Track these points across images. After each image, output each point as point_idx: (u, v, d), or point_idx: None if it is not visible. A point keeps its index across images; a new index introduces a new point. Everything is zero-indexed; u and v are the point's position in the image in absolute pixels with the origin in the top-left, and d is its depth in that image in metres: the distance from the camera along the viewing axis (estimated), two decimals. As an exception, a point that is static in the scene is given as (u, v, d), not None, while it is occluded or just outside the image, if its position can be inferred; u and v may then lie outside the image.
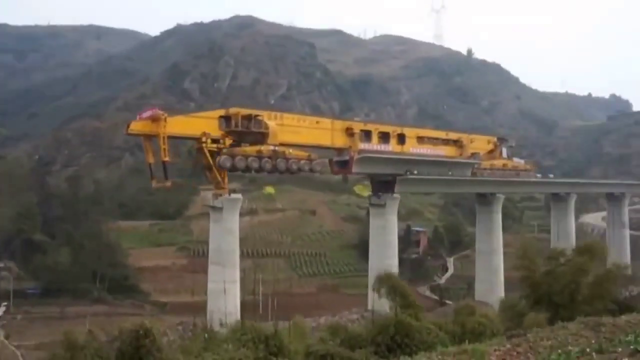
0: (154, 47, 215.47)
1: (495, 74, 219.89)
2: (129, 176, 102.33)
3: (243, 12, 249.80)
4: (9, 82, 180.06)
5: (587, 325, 10.49)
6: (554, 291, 19.92)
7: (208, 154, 43.57)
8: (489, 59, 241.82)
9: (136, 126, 39.29)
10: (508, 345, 9.18)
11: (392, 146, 53.42)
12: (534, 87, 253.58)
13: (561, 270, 20.44)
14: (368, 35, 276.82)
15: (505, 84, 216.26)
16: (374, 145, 52.18)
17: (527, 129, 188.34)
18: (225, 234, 45.33)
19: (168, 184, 40.84)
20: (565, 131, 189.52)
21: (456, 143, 59.59)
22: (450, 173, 59.64)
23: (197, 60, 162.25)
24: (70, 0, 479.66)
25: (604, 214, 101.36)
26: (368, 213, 66.76)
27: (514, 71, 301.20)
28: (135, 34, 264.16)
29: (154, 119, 38.81)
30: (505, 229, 73.01)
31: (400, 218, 68.44)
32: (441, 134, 60.74)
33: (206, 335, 10.64)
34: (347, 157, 49.20)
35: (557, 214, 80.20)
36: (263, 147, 43.09)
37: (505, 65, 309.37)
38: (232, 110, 43.14)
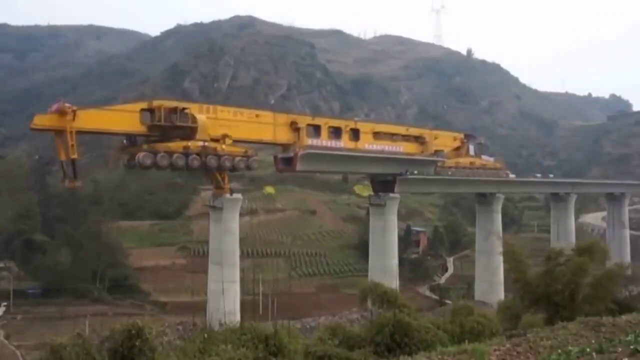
0: (154, 47, 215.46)
1: (495, 74, 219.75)
2: (128, 176, 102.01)
3: (243, 12, 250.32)
4: (9, 82, 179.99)
5: (587, 325, 10.52)
6: (553, 291, 19.56)
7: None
8: (489, 59, 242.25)
9: (40, 120, 35.80)
10: (508, 345, 9.17)
11: (345, 142, 50.40)
12: (534, 87, 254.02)
13: (560, 270, 20.03)
14: (368, 35, 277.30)
15: (505, 84, 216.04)
16: (324, 141, 49.04)
17: (527, 129, 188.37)
18: (225, 234, 45.08)
19: (78, 184, 37.79)
20: (565, 131, 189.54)
21: (418, 139, 56.76)
22: (415, 172, 56.32)
23: (197, 60, 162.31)
24: (70, 0, 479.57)
25: (604, 214, 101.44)
26: (368, 213, 66.73)
27: (514, 71, 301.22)
28: (135, 34, 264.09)
29: (61, 113, 35.52)
30: (505, 229, 73.06)
31: (400, 218, 68.46)
32: (401, 130, 57.68)
33: (205, 335, 10.61)
34: (292, 154, 46.25)
35: (557, 214, 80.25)
36: (191, 143, 40.21)
37: (505, 65, 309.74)
38: (156, 102, 39.96)
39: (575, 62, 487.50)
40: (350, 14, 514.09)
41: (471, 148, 62.81)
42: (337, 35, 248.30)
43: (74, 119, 35.44)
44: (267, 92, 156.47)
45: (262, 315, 53.26)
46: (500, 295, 57.56)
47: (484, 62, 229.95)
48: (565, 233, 76.84)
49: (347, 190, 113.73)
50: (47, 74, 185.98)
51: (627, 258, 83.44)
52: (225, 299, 42.98)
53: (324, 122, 50.15)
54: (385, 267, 56.17)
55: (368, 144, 52.25)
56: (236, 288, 46.21)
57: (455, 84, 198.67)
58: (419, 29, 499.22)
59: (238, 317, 42.54)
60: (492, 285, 64.14)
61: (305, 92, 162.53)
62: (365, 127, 53.24)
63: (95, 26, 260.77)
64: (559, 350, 8.08)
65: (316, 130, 48.89)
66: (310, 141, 47.70)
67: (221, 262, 45.05)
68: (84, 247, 75.89)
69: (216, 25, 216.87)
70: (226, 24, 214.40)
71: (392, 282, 51.72)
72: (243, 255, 57.79)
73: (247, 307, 51.23)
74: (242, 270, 51.18)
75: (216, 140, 42.07)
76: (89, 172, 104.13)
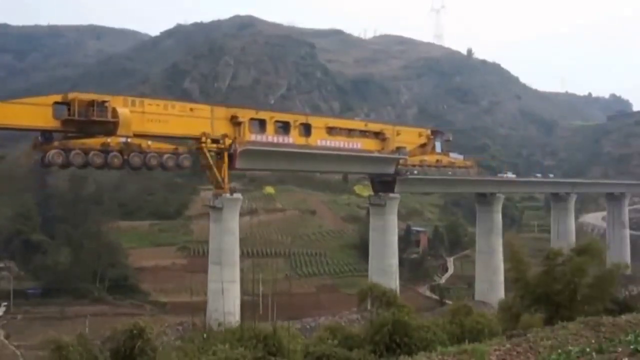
0: (154, 47, 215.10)
1: (495, 74, 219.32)
2: (129, 175, 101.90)
3: (243, 12, 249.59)
4: (8, 82, 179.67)
5: (587, 325, 10.56)
6: (553, 291, 19.61)
7: (208, 154, 43.08)
8: (489, 59, 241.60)
9: None
10: (508, 345, 9.18)
11: (294, 138, 47.25)
12: (534, 87, 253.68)
13: (560, 270, 20.05)
14: (368, 35, 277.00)
15: (505, 84, 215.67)
16: (270, 136, 45.79)
17: (527, 129, 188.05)
18: (225, 234, 44.88)
19: None
20: (565, 131, 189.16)
21: (378, 135, 53.23)
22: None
23: (197, 60, 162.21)
24: (70, 0, 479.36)
25: (604, 213, 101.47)
26: (368, 213, 66.58)
27: (514, 71, 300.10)
28: (135, 34, 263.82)
29: None
30: (505, 228, 73.04)
31: (400, 218, 68.40)
32: (359, 125, 54.34)
33: (204, 335, 10.61)
34: (231, 151, 43.66)
35: (557, 214, 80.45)
36: (111, 139, 37.38)
37: (505, 65, 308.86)
38: (72, 95, 36.98)
39: (575, 61, 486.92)
40: (350, 14, 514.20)
41: (438, 145, 59.45)
42: (337, 35, 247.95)
43: None
44: (267, 92, 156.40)
45: (262, 316, 53.29)
46: (501, 295, 57.49)
47: (484, 62, 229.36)
48: (565, 233, 77.01)
49: (347, 190, 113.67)
50: (47, 74, 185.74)
51: (627, 258, 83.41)
52: (225, 299, 42.91)
53: (270, 116, 47.18)
54: (385, 267, 56.08)
55: (320, 140, 49.04)
56: (236, 288, 46.02)
57: (456, 84, 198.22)
58: (419, 28, 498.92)
59: (238, 318, 42.49)
60: (492, 285, 64.22)
61: (305, 92, 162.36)
62: (317, 122, 50.10)
63: (95, 26, 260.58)
64: (559, 350, 8.09)
65: (261, 125, 45.99)
66: (253, 137, 44.83)
67: (221, 262, 44.73)
68: (84, 247, 75.99)
69: (216, 25, 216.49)
70: (226, 23, 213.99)
71: (392, 282, 51.87)
72: (243, 255, 57.71)
73: (247, 307, 51.21)
74: (241, 270, 51.08)
75: (143, 136, 39.46)
76: (89, 171, 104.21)
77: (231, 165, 44.80)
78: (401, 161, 54.21)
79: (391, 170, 54.13)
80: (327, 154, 50.58)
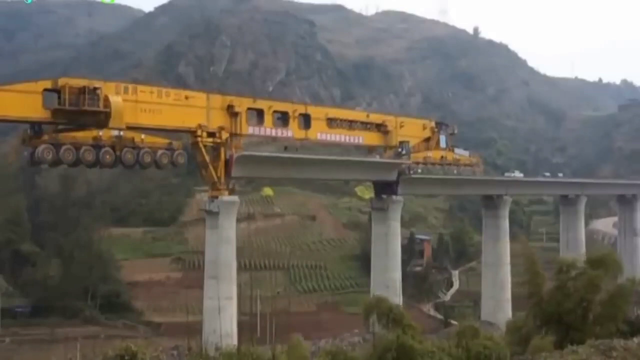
0: (147, 25, 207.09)
1: (502, 56, 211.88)
2: (121, 175, 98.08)
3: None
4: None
5: (597, 349, 10.52)
6: (564, 310, 17.66)
7: (204, 150, 39.45)
8: (496, 39, 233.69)
9: None
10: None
11: (294, 130, 43.86)
12: (542, 71, 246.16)
13: (572, 286, 18.00)
14: (370, 10, 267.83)
15: (512, 68, 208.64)
16: (268, 128, 42.62)
17: (536, 120, 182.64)
18: (222, 243, 41.81)
19: None
20: (574, 123, 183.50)
21: (380, 128, 48.67)
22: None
23: (193, 40, 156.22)
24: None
25: (615, 219, 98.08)
26: (370, 219, 63.18)
27: (522, 53, 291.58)
28: (128, 10, 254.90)
29: None
30: (512, 237, 70.05)
31: (404, 225, 65.23)
32: (360, 116, 50.21)
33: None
34: (227, 156, 40.17)
35: (567, 219, 77.36)
36: (103, 133, 34.27)
37: (512, 45, 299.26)
38: (62, 80, 33.42)
39: (585, 42, 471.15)
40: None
41: (442, 139, 54.54)
42: (337, 11, 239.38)
43: None
44: (265, 78, 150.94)
45: (259, 338, 50.89)
46: (508, 314, 55.09)
47: (490, 42, 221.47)
48: (575, 241, 74.09)
49: (348, 192, 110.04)
50: (37, 57, 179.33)
51: (639, 269, 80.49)
52: (222, 319, 40.10)
53: (268, 106, 42.93)
54: (387, 281, 53.45)
55: (320, 133, 45.39)
56: (233, 306, 43.16)
57: (461, 68, 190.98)
58: (423, 2, 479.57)
59: (235, 340, 39.87)
60: (499, 303, 61.69)
61: (305, 78, 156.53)
62: (317, 112, 45.80)
63: (87, 1, 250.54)
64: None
65: (259, 115, 42.46)
66: (251, 129, 41.54)
67: (217, 276, 41.83)
68: (75, 258, 73.29)
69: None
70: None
71: (395, 298, 48.20)
72: (240, 268, 54.84)
73: (244, 327, 48.64)
74: (238, 286, 48.40)
75: (135, 129, 36.08)
76: (79, 171, 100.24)
77: (227, 173, 41.55)
78: (404, 158, 50.49)
79: (394, 175, 50.72)
80: (327, 159, 47.70)
